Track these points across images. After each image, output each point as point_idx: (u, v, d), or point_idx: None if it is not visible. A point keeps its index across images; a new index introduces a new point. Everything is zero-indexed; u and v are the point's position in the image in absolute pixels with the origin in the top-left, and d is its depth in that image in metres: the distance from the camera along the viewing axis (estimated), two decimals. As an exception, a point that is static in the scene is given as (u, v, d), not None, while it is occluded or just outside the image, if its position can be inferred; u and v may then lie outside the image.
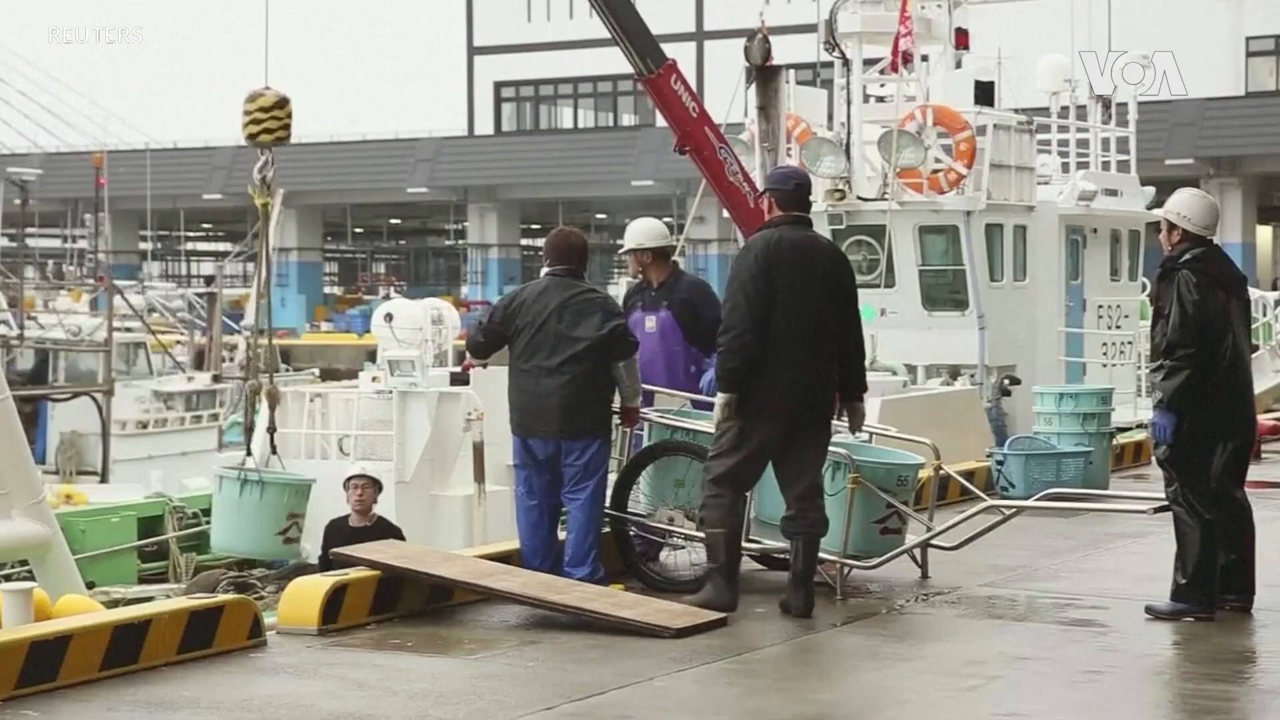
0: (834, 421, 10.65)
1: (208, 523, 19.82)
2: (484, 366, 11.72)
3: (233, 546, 15.23)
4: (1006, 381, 23.60)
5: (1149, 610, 10.36)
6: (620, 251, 11.78)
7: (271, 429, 13.90)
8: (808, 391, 10.15)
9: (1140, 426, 22.27)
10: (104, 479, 31.20)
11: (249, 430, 14.25)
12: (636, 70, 15.48)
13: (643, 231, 12.23)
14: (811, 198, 11.24)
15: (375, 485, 14.93)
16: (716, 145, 15.93)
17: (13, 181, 46.86)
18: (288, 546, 14.44)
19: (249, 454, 14.31)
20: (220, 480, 14.22)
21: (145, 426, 35.06)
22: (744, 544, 10.91)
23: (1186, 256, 10.24)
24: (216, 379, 38.54)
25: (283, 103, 13.30)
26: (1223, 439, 10.25)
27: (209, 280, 47.57)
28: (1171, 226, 10.41)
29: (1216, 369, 10.13)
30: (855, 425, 10.68)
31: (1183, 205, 10.40)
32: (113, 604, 14.10)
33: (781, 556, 11.15)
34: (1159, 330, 10.22)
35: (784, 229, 10.30)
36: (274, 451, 14.15)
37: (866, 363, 19.65)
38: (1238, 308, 10.38)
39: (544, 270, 11.40)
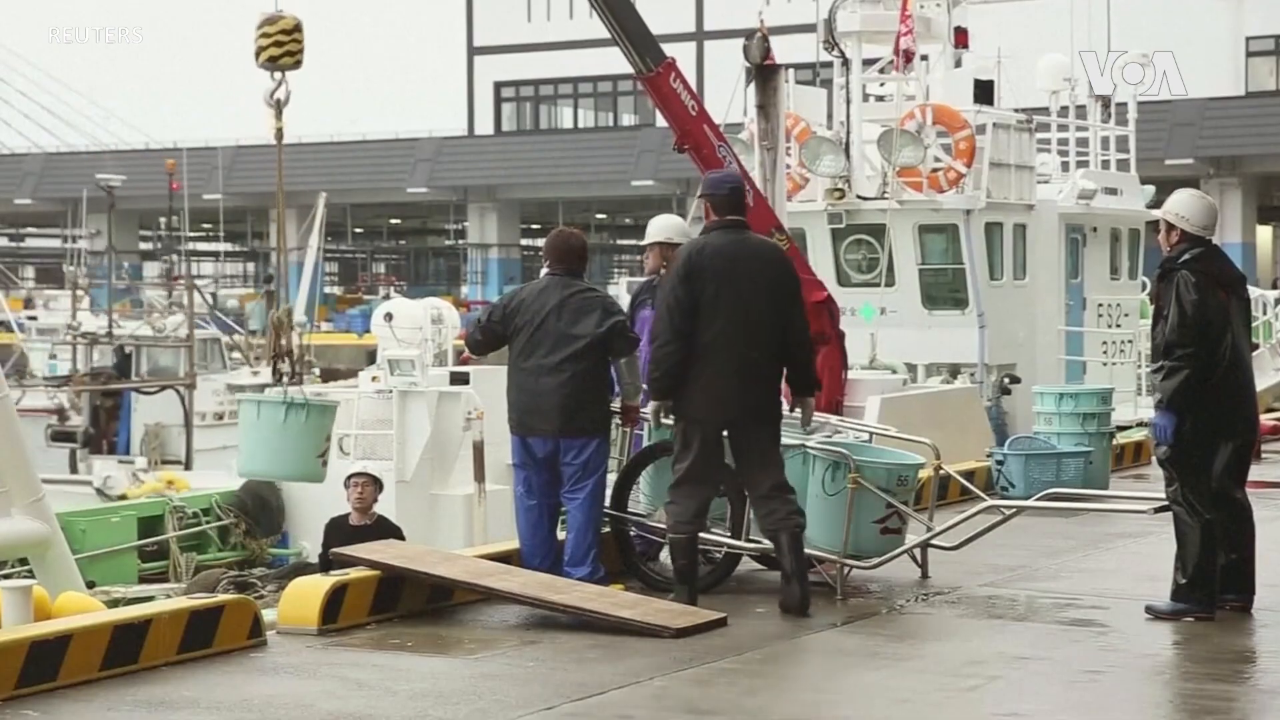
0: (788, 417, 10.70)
1: (208, 522, 19.87)
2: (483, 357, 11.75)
3: (275, 470, 14.94)
4: (1006, 380, 23.61)
5: (1149, 610, 10.37)
6: (644, 242, 11.80)
7: (276, 355, 13.91)
8: (739, 392, 10.23)
9: (1140, 425, 22.28)
10: (188, 467, 32.11)
11: (278, 356, 14.23)
12: (635, 69, 15.48)
13: (671, 226, 12.22)
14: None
15: (375, 483, 14.92)
16: (716, 143, 15.93)
17: (100, 186, 49.13)
18: (323, 469, 14.32)
19: (292, 380, 14.24)
20: (258, 406, 13.97)
21: (221, 418, 36.14)
22: (743, 544, 10.94)
23: (1185, 257, 10.25)
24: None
25: (299, 27, 13.27)
26: (1224, 439, 10.25)
27: (269, 280, 48.97)
28: (1170, 227, 10.41)
29: (1217, 369, 10.13)
30: (805, 420, 10.74)
31: (1181, 205, 10.40)
32: (113, 603, 14.09)
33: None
34: (1159, 331, 10.23)
35: (713, 235, 10.46)
36: (278, 380, 14.15)
37: (867, 361, 19.93)
38: (1237, 307, 10.38)
39: (543, 271, 11.43)
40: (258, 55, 13.40)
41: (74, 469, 33.62)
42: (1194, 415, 10.08)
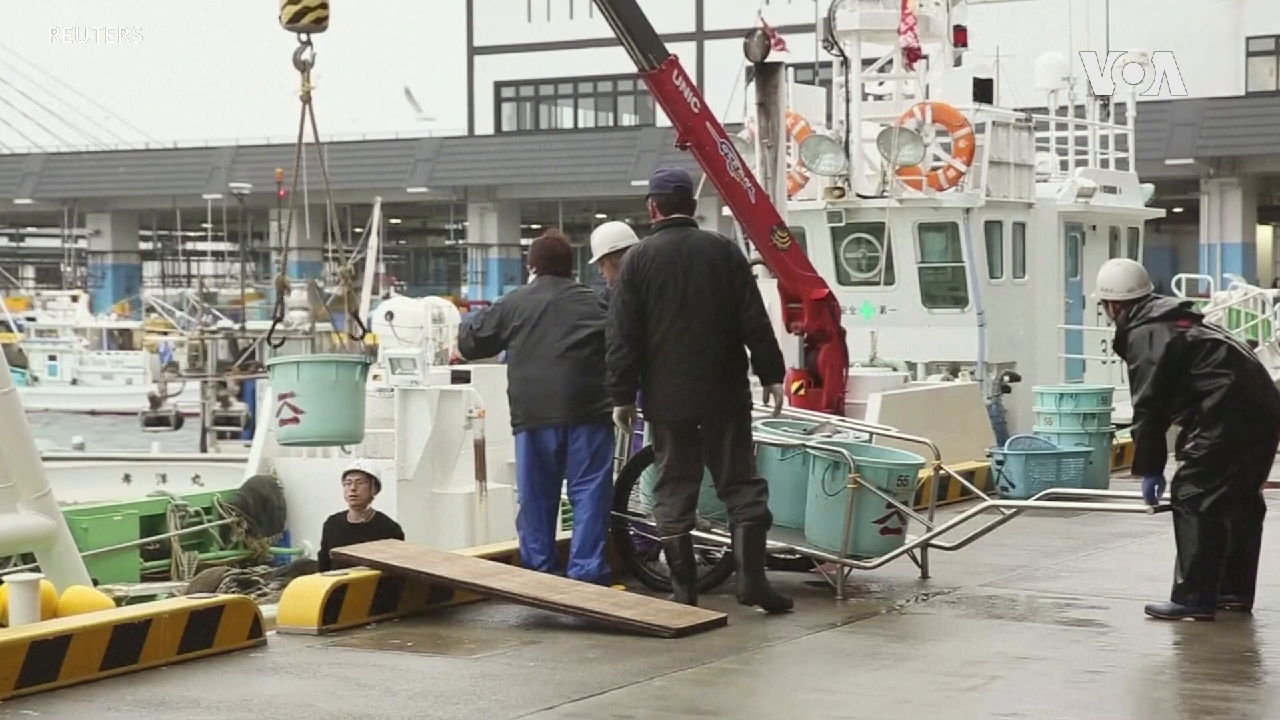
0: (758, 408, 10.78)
1: (209, 520, 19.83)
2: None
3: (348, 431, 14.75)
4: (1006, 378, 23.61)
5: (1149, 610, 10.37)
6: (593, 260, 11.75)
7: (279, 318, 13.93)
8: (694, 389, 10.30)
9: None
10: None
11: (280, 318, 14.18)
12: (639, 66, 15.44)
13: (615, 235, 12.08)
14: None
15: (371, 481, 14.88)
16: (718, 141, 15.90)
17: (233, 193, 51.41)
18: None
19: (359, 337, 14.16)
20: (336, 366, 13.79)
21: None
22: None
23: (1131, 319, 10.46)
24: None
25: None
26: (1248, 444, 10.24)
27: (354, 273, 51.67)
28: (1108, 304, 10.73)
29: (1219, 386, 10.14)
30: (776, 409, 10.80)
31: (1104, 281, 10.73)
32: (115, 601, 14.05)
33: (781, 556, 11.17)
34: None
35: (655, 236, 10.56)
36: (273, 346, 14.13)
37: (868, 359, 19.92)
38: (1206, 326, 10.54)
39: (531, 277, 11.47)
40: (300, 17, 13.28)
41: (203, 448, 36.56)
42: (1224, 428, 10.12)
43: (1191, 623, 10.17)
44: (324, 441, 17.13)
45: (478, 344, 11.38)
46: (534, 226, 76.76)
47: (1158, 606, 10.37)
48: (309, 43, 13.48)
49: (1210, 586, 10.23)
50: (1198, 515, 10.18)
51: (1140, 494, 10.65)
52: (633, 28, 15.11)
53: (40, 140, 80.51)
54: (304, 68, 13.48)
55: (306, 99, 13.50)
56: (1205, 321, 10.64)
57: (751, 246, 16.88)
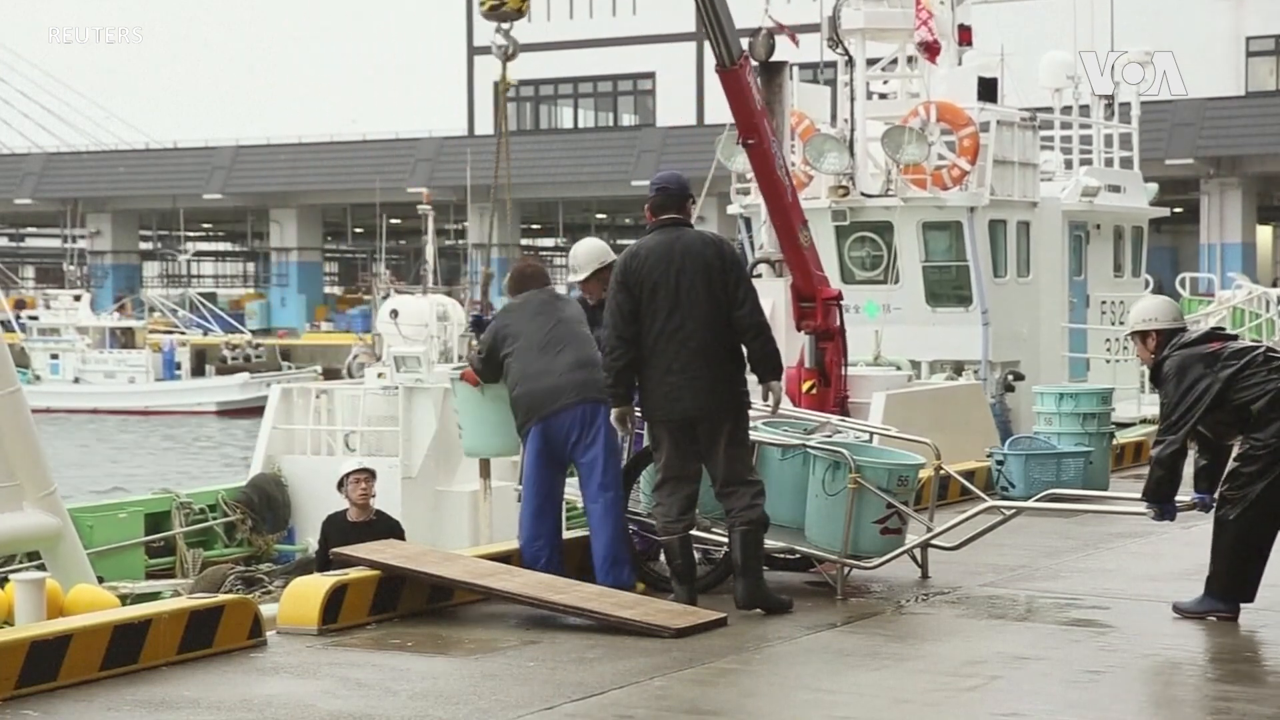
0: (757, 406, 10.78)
1: (214, 518, 19.87)
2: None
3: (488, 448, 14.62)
4: (1010, 377, 23.62)
5: (1176, 608, 10.37)
6: (580, 277, 11.69)
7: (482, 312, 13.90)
8: (688, 389, 10.29)
9: (1144, 421, 22.32)
10: None
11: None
12: (720, 61, 15.50)
13: (600, 250, 11.95)
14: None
15: (373, 478, 14.96)
16: (770, 139, 16.09)
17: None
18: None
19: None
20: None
21: None
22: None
23: (1165, 351, 10.43)
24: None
25: None
26: None
27: (489, 278, 53.22)
28: (1145, 336, 10.59)
29: (1270, 390, 10.13)
30: (774, 406, 10.78)
31: (1147, 312, 10.65)
32: (120, 599, 14.05)
33: (781, 556, 11.17)
34: None
35: (649, 237, 10.58)
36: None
37: (871, 358, 19.91)
38: (1237, 339, 10.55)
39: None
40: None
41: None
42: (1276, 428, 10.08)
43: (1198, 622, 10.18)
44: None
45: (484, 363, 11.37)
46: (534, 226, 76.75)
47: (1185, 604, 10.36)
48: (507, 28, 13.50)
49: (1239, 586, 10.20)
50: (1238, 513, 10.12)
51: (1138, 494, 10.64)
52: (724, 23, 15.19)
53: (40, 140, 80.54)
54: (505, 57, 13.52)
55: (503, 88, 13.55)
56: (1234, 335, 10.64)
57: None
